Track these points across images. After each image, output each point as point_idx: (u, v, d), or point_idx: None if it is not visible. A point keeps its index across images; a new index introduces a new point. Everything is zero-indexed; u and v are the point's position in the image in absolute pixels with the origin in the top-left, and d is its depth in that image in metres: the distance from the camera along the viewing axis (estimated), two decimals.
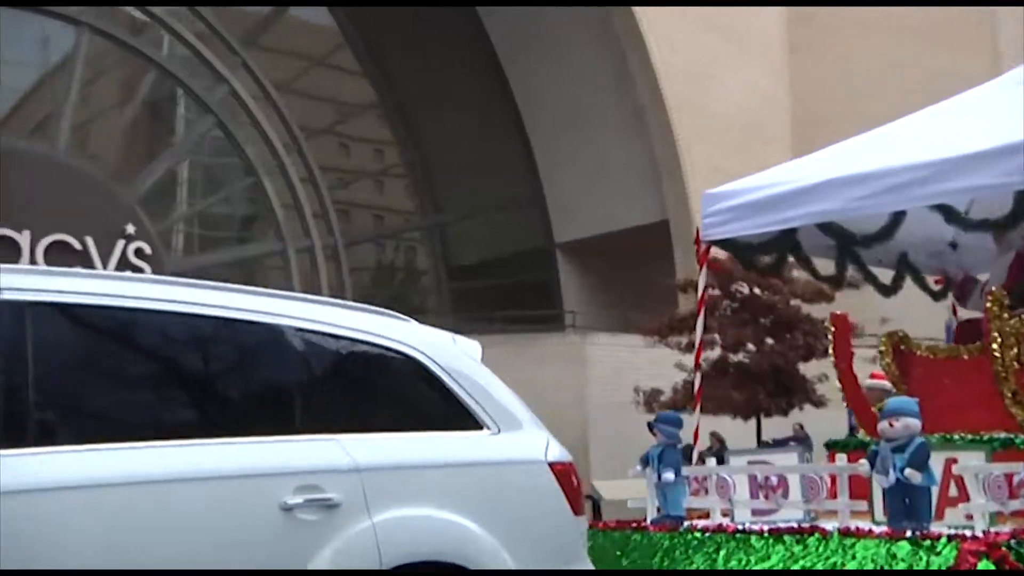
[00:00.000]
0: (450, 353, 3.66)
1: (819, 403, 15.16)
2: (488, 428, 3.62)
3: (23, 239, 14.70)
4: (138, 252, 15.53)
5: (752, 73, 18.73)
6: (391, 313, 3.72)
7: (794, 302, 15.24)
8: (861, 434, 7.37)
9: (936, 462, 5.23)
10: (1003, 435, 6.18)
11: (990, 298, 6.70)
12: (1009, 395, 6.49)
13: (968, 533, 4.81)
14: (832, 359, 7.79)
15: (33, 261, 14.63)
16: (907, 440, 4.99)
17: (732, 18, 18.60)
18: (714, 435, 13.99)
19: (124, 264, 15.39)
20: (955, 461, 5.41)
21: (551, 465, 3.67)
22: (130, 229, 15.51)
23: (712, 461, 6.53)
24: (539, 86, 18.64)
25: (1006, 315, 6.61)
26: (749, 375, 15.06)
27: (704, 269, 7.54)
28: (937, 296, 8.29)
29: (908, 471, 4.86)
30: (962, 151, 6.06)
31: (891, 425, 5.02)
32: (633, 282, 17.34)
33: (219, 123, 17.08)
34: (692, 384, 15.83)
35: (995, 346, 6.53)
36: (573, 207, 18.56)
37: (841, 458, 6.09)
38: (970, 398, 6.63)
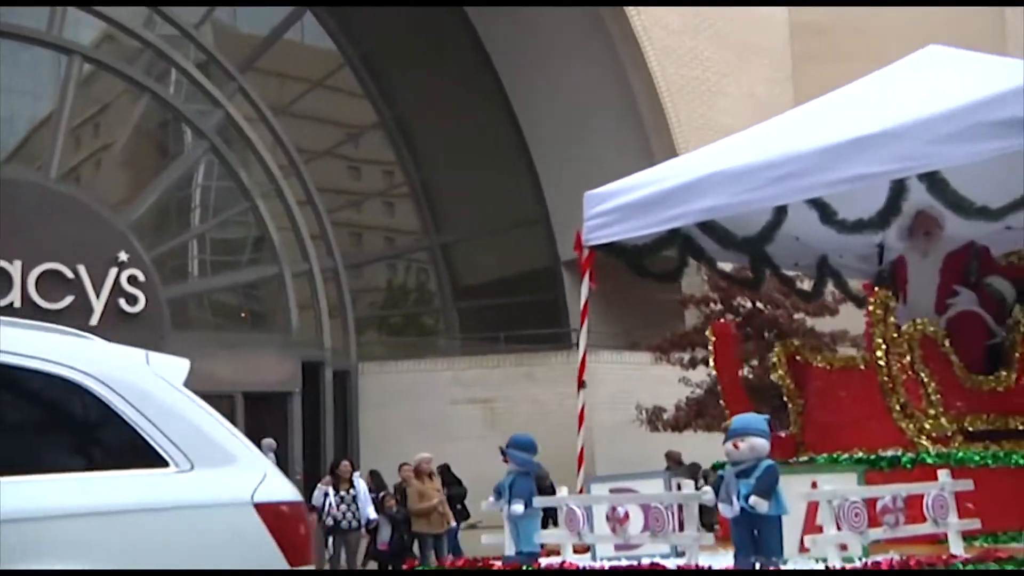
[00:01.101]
0: (132, 376, 3.08)
1: None
2: (174, 464, 3.00)
3: (14, 269, 14.61)
4: (131, 279, 15.36)
5: (756, 84, 18.14)
6: (62, 329, 3.17)
7: (798, 316, 14.67)
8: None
9: (802, 486, 4.69)
10: (888, 453, 5.64)
11: (872, 300, 6.08)
12: (898, 408, 5.86)
13: (835, 565, 4.35)
14: (714, 373, 7.03)
15: (24, 291, 14.53)
16: (754, 463, 4.35)
17: (735, 28, 18.09)
18: (670, 456, 13.50)
19: (117, 291, 15.18)
20: (816, 485, 4.75)
21: (259, 506, 3.03)
22: (123, 256, 15.26)
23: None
24: (540, 104, 18.38)
25: (892, 319, 5.94)
26: (752, 390, 14.40)
27: (587, 278, 6.76)
28: (862, 303, 7.38)
29: (753, 498, 4.24)
30: (842, 138, 5.46)
31: (736, 447, 4.39)
32: (638, 299, 16.80)
33: (213, 148, 16.77)
34: (696, 401, 15.33)
35: (879, 354, 5.86)
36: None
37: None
38: (866, 412, 5.99)
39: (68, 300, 14.79)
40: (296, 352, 16.70)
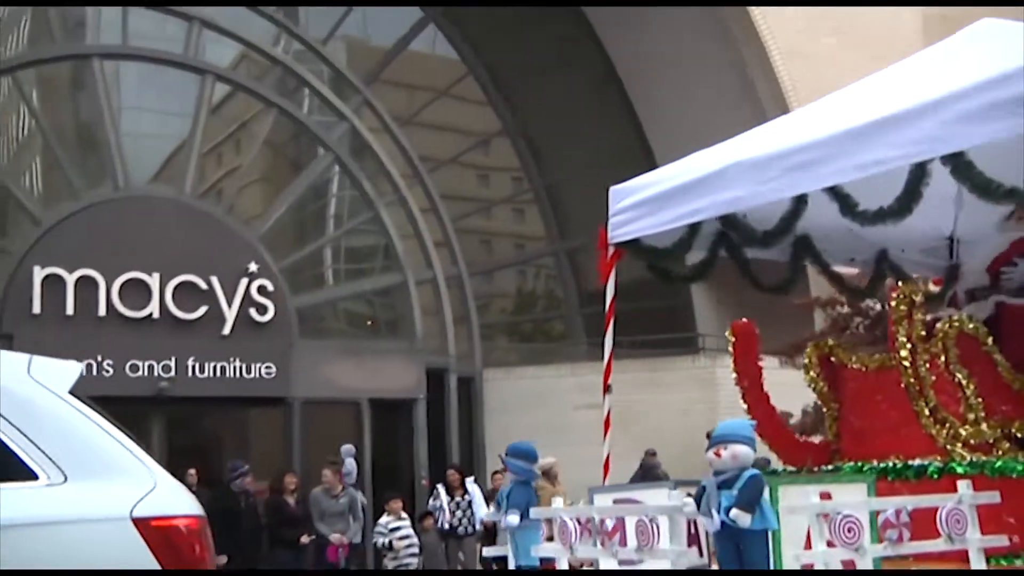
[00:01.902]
0: (6, 383, 2.86)
1: None
2: (44, 476, 2.78)
3: (153, 281, 14.92)
4: (261, 289, 15.55)
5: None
6: None
7: (928, 317, 13.75)
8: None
9: (809, 497, 4.26)
10: (915, 462, 5.21)
11: (895, 295, 5.62)
12: (927, 413, 5.44)
13: None
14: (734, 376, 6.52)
15: (163, 302, 14.91)
16: (737, 473, 4.02)
17: (862, 25, 17.22)
18: (649, 455, 12.91)
19: (248, 301, 15.44)
20: (828, 497, 4.39)
21: (139, 522, 2.79)
22: (253, 267, 15.48)
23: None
24: (665, 108, 17.99)
25: (920, 316, 5.52)
26: None
27: (612, 275, 6.46)
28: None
29: (735, 511, 3.92)
30: (859, 123, 5.14)
31: (717, 455, 4.07)
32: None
33: (338, 160, 16.96)
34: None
35: (904, 353, 5.45)
36: None
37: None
38: (903, 417, 5.56)
39: (202, 310, 15.10)
40: (421, 359, 16.69)
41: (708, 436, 4.25)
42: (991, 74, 4.67)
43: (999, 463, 5.08)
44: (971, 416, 5.46)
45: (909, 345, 5.56)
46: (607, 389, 6.80)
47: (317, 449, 15.08)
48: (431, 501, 13.18)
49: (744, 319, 6.71)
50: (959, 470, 4.95)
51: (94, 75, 15.29)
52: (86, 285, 14.46)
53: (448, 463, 16.18)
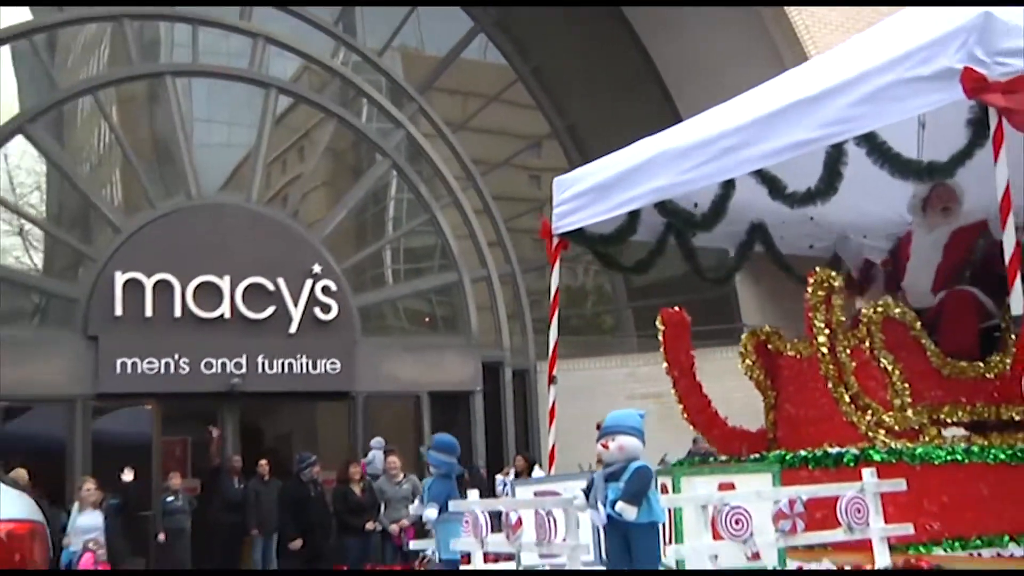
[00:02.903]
0: None
1: None
2: None
3: (224, 283, 15.31)
4: (325, 289, 15.87)
5: None
6: None
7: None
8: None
9: (712, 488, 4.20)
10: (834, 450, 4.95)
11: (812, 281, 5.44)
12: (847, 400, 5.28)
13: None
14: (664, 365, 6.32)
15: (233, 303, 15.31)
16: (624, 465, 3.76)
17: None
18: (522, 457, 12.96)
19: (313, 301, 15.79)
20: (731, 486, 4.27)
21: None
22: (316, 269, 15.83)
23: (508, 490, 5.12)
24: (703, 104, 17.76)
25: (838, 301, 5.35)
26: None
27: (556, 267, 6.44)
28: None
29: (620, 504, 3.68)
30: (774, 108, 5.01)
31: (605, 446, 3.83)
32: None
33: (395, 165, 17.30)
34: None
35: (822, 339, 5.30)
36: None
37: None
38: (833, 405, 5.38)
39: (270, 310, 15.49)
40: (477, 353, 16.97)
41: (598, 427, 4.00)
42: (895, 55, 4.53)
43: (920, 450, 4.87)
44: (897, 402, 5.26)
45: (828, 331, 5.37)
46: (552, 380, 6.75)
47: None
48: (499, 488, 13.48)
49: (675, 307, 6.58)
50: (876, 458, 4.73)
51: (167, 91, 15.79)
52: (163, 289, 14.90)
53: (504, 452, 16.57)
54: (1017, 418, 5.46)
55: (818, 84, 4.83)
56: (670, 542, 4.32)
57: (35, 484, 11.85)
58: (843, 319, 5.47)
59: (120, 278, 14.74)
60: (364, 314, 16.57)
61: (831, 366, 5.35)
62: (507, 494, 12.98)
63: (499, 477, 13.39)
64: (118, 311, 14.70)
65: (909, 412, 5.27)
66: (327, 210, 17.30)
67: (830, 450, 5.00)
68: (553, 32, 18.43)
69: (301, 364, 15.55)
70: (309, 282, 15.76)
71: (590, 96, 18.74)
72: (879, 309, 5.47)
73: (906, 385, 5.32)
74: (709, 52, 17.36)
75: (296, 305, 15.65)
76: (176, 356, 14.83)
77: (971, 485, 4.79)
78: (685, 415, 6.38)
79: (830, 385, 5.34)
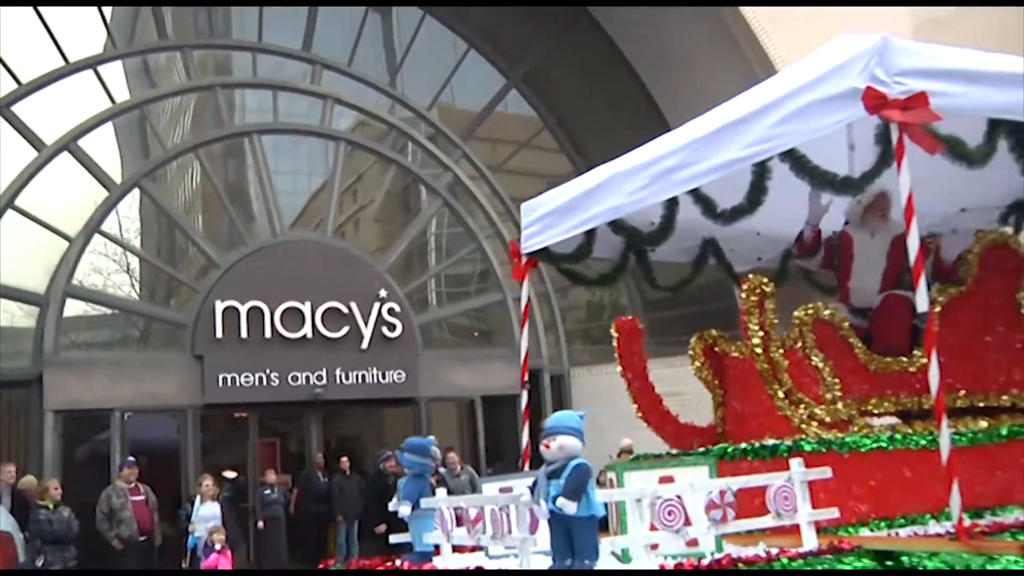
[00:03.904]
0: None
1: None
2: None
3: (306, 308, 16.00)
4: (390, 311, 16.55)
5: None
6: None
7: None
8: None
9: (651, 482, 4.06)
10: (770, 442, 4.77)
11: (746, 286, 5.34)
12: (781, 395, 5.15)
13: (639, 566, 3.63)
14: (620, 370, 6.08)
15: (314, 325, 15.93)
16: (564, 463, 3.66)
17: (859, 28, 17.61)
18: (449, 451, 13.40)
19: (380, 321, 16.47)
20: (671, 479, 4.14)
21: None
22: (383, 293, 16.46)
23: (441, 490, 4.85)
24: None
25: (771, 305, 5.27)
26: None
27: (527, 283, 6.22)
28: (831, 292, 6.54)
29: (560, 500, 3.57)
30: (706, 131, 4.83)
31: (547, 446, 3.72)
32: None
33: (446, 203, 17.97)
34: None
35: (756, 341, 5.20)
36: None
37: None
38: (772, 401, 5.22)
39: (345, 330, 16.11)
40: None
41: (540, 430, 3.85)
42: (810, 78, 4.40)
43: (849, 439, 4.73)
44: (828, 396, 5.12)
45: (761, 333, 5.22)
46: (524, 385, 6.44)
47: (441, 439, 15.94)
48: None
49: (629, 316, 6.42)
50: (807, 448, 4.56)
51: (254, 147, 16.54)
52: (255, 314, 15.55)
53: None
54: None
55: (745, 107, 4.67)
56: (617, 533, 4.16)
57: (144, 481, 12.41)
58: (776, 321, 5.29)
59: (220, 306, 15.46)
60: (424, 331, 17.21)
61: (765, 365, 5.20)
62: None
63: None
64: (219, 334, 15.38)
65: (839, 405, 5.12)
66: (389, 242, 17.93)
67: (766, 442, 4.80)
68: (575, 87, 19.17)
69: (372, 375, 16.17)
70: (377, 305, 16.44)
71: (606, 141, 19.35)
72: (810, 311, 5.34)
73: (836, 380, 5.17)
74: (710, 94, 17.84)
75: (366, 325, 16.31)
76: (267, 371, 15.44)
77: (896, 470, 4.65)
78: (639, 413, 6.22)
79: (765, 382, 5.16)
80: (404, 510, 4.65)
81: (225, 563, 11.90)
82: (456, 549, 4.57)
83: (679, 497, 3.80)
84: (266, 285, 15.66)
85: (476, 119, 19.31)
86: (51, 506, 11.20)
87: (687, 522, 3.82)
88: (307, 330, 15.81)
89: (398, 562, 4.52)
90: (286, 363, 15.47)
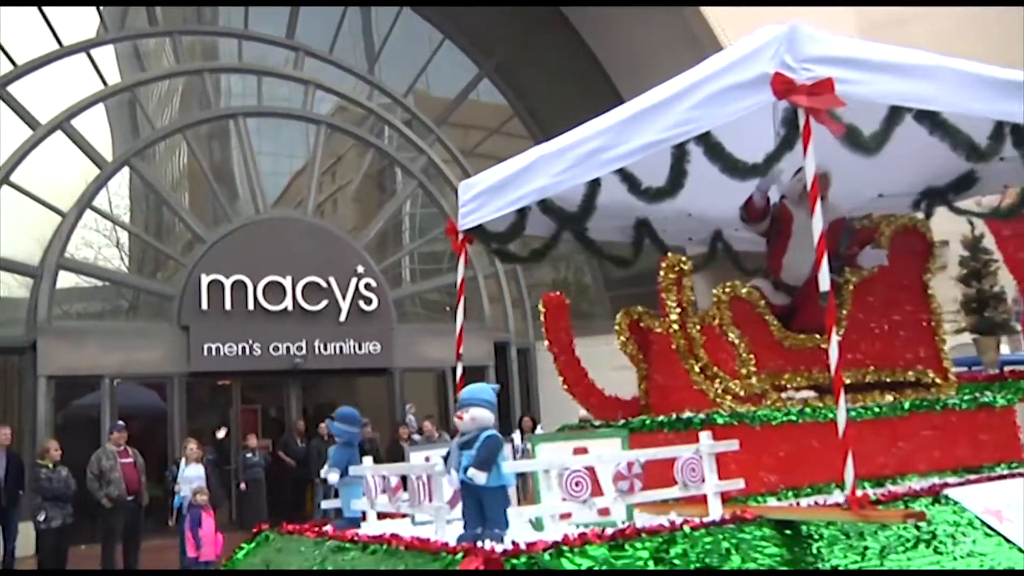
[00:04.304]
0: None
1: None
2: None
3: (287, 282, 16.30)
4: (367, 286, 16.87)
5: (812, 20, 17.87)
6: None
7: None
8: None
9: (565, 452, 3.98)
10: (686, 415, 4.69)
11: (664, 264, 5.26)
12: (697, 370, 5.09)
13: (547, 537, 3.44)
14: (547, 345, 5.98)
15: (294, 298, 16.16)
16: (476, 434, 3.58)
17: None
18: (529, 417, 13.41)
19: (358, 296, 16.76)
20: (585, 451, 4.04)
21: None
22: (360, 269, 16.73)
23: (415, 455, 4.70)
24: None
25: (689, 283, 5.24)
26: None
27: (462, 260, 6.10)
28: (754, 273, 6.32)
29: (471, 471, 3.50)
30: (628, 113, 4.70)
31: (460, 418, 3.63)
32: None
33: (421, 184, 18.19)
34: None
35: (674, 317, 5.12)
36: None
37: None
38: (688, 376, 5.16)
39: (323, 304, 16.37)
40: (489, 335, 17.96)
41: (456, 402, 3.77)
42: (725, 63, 4.31)
43: (760, 412, 4.65)
44: (743, 371, 5.04)
45: (679, 310, 5.16)
46: (459, 357, 6.29)
47: (418, 408, 16.31)
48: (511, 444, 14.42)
49: (556, 292, 6.26)
50: (720, 421, 4.47)
51: (239, 128, 16.68)
52: (238, 287, 15.83)
53: (512, 415, 17.50)
54: (848, 381, 5.16)
55: (667, 91, 4.55)
56: (531, 502, 4.04)
57: (132, 444, 12.61)
58: (694, 298, 5.25)
59: (205, 279, 15.73)
60: (398, 305, 17.54)
61: (682, 341, 5.14)
62: (517, 448, 14.06)
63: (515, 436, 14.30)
64: (204, 306, 15.64)
65: (753, 380, 5.03)
66: (366, 221, 18.16)
67: (682, 415, 4.72)
68: (543, 77, 19.44)
69: (349, 346, 16.48)
70: (354, 280, 16.75)
71: (574, 126, 19.63)
72: (727, 289, 5.23)
73: (751, 356, 5.06)
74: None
75: (344, 299, 16.62)
76: (250, 341, 15.72)
77: (804, 442, 4.57)
78: (565, 386, 6.03)
79: (682, 358, 5.10)
80: (332, 477, 4.57)
81: (209, 521, 12.18)
82: (382, 516, 4.48)
83: (587, 469, 3.75)
84: (249, 260, 15.92)
85: (450, 106, 19.57)
86: (51, 465, 11.42)
87: (597, 492, 3.76)
88: (288, 303, 16.08)
89: (327, 528, 4.39)
90: (268, 334, 15.75)
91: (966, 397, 5.49)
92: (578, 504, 3.67)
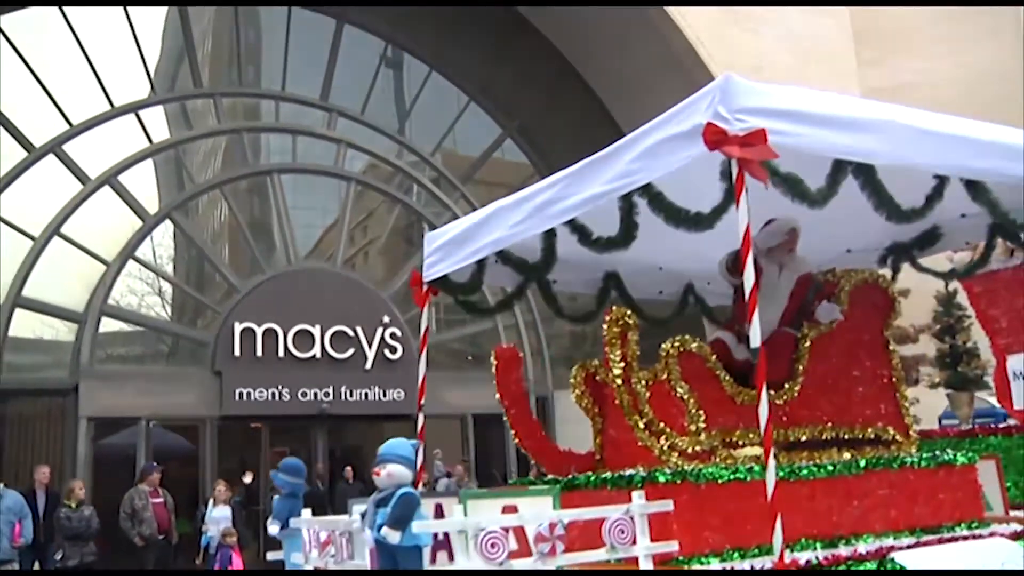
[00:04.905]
0: None
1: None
2: None
3: (316, 330, 16.50)
4: (392, 335, 17.06)
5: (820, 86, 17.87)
6: None
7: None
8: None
9: (495, 511, 3.73)
10: (629, 472, 4.45)
11: (608, 318, 5.07)
12: (641, 426, 4.83)
13: None
14: (498, 398, 5.76)
15: (323, 346, 16.39)
16: (392, 491, 3.43)
17: (796, 30, 17.83)
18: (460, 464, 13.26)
19: (383, 344, 16.95)
20: (514, 510, 3.80)
21: None
22: (386, 319, 16.96)
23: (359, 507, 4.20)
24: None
25: (634, 337, 5.01)
26: None
27: (425, 311, 6.04)
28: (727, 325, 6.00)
29: (384, 529, 3.34)
30: (580, 164, 4.61)
31: (377, 474, 3.48)
32: None
33: None
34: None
35: (617, 372, 4.89)
36: None
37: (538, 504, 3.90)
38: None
39: (351, 352, 16.55)
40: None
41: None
42: (666, 115, 4.19)
43: (707, 470, 4.40)
44: (692, 427, 4.82)
45: (623, 364, 4.93)
46: (420, 408, 6.00)
47: (438, 452, 16.36)
48: None
49: (508, 344, 5.85)
50: (662, 479, 4.25)
51: (274, 184, 17.15)
52: (269, 335, 16.06)
53: (528, 461, 17.48)
54: (803, 439, 5.07)
55: (616, 143, 4.43)
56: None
57: (164, 484, 12.80)
58: (638, 352, 5.02)
59: (238, 327, 16.00)
60: None
61: (626, 396, 4.90)
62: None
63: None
64: (236, 352, 15.88)
65: (703, 436, 4.82)
66: (392, 273, 18.44)
67: (624, 472, 4.51)
68: (562, 138, 19.73)
69: (375, 393, 16.64)
70: (380, 329, 16.96)
71: None
72: (676, 344, 5.06)
73: (700, 412, 4.86)
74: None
75: (370, 347, 16.80)
76: (279, 387, 15.91)
77: (752, 500, 4.19)
78: (516, 440, 5.87)
79: (626, 413, 4.84)
80: (273, 529, 4.41)
81: (238, 560, 12.35)
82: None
83: (505, 530, 3.49)
84: (281, 309, 16.17)
85: (475, 164, 19.91)
86: (74, 505, 11.65)
87: (526, 553, 3.53)
88: (316, 350, 16.27)
89: None
90: (296, 380, 15.94)
91: (925, 455, 5.31)
92: (494, 566, 3.39)
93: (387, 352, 16.88)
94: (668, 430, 4.82)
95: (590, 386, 5.59)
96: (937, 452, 5.44)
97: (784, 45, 18.11)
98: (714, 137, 3.86)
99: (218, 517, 13.24)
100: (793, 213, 4.75)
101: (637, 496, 3.90)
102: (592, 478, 4.71)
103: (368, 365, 16.59)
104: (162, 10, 17.49)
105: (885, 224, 4.99)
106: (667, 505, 3.92)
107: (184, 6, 17.11)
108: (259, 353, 15.89)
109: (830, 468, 4.82)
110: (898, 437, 5.57)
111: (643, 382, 4.97)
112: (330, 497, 15.20)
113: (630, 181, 4.26)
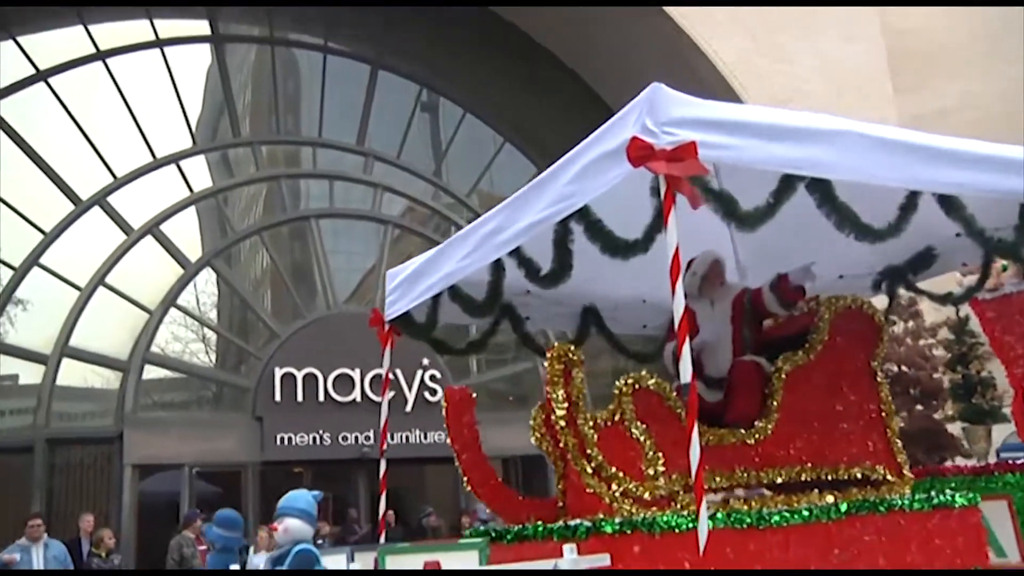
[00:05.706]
0: None
1: (967, 455, 13.85)
2: None
3: (355, 374, 16.16)
4: (431, 377, 16.62)
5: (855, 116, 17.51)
6: None
7: (936, 375, 14.03)
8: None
9: (415, 565, 3.37)
10: (575, 522, 4.00)
11: (550, 355, 4.67)
12: (589, 471, 4.33)
13: None
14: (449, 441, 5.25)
15: (363, 390, 16.02)
16: (289, 548, 3.03)
17: (829, 58, 17.25)
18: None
19: (423, 387, 16.52)
20: (437, 565, 3.47)
21: None
22: (425, 361, 16.58)
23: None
24: None
25: (579, 374, 4.60)
26: (906, 437, 13.86)
27: (387, 352, 5.49)
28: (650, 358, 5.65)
29: None
30: (517, 194, 4.29)
31: (274, 528, 3.01)
32: None
33: None
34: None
35: (560, 413, 4.40)
36: None
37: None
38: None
39: (390, 395, 16.05)
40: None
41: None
42: (598, 133, 3.85)
43: (662, 518, 3.83)
44: (650, 471, 4.32)
45: (567, 404, 4.50)
46: (383, 453, 5.66)
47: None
48: None
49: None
50: (609, 529, 3.77)
51: (313, 229, 16.98)
52: (310, 379, 15.72)
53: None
54: (778, 480, 4.61)
55: (553, 165, 4.06)
56: None
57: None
58: (584, 391, 4.64)
59: (278, 372, 15.69)
60: None
61: (571, 439, 4.44)
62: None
63: None
64: (277, 398, 15.57)
65: (661, 480, 4.32)
66: None
67: (570, 522, 4.06)
68: None
69: (415, 435, 16.20)
70: (420, 372, 16.56)
71: None
72: (630, 381, 4.61)
73: (659, 454, 4.36)
74: None
75: (410, 390, 16.40)
76: (320, 431, 15.58)
77: (717, 550, 3.71)
78: (468, 487, 5.35)
79: (572, 458, 4.38)
80: None
81: None
82: None
83: None
84: (321, 354, 15.85)
85: None
86: (104, 554, 11.39)
87: None
88: (356, 394, 15.93)
89: None
90: (336, 424, 15.57)
91: (920, 496, 4.77)
92: None
93: (427, 395, 16.46)
94: (620, 475, 4.29)
95: (549, 429, 4.94)
96: (932, 493, 4.88)
97: (817, 74, 17.63)
98: (638, 152, 3.52)
99: (258, 563, 12.92)
100: (772, 239, 4.30)
101: (568, 550, 3.45)
102: (539, 528, 4.23)
103: (408, 408, 16.18)
104: (203, 63, 17.55)
105: (877, 247, 4.49)
106: (603, 559, 3.47)
107: (219, 43, 17.16)
108: (300, 398, 15.57)
109: (805, 513, 4.24)
110: (889, 476, 5.00)
111: (590, 423, 4.44)
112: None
113: (566, 205, 3.89)
